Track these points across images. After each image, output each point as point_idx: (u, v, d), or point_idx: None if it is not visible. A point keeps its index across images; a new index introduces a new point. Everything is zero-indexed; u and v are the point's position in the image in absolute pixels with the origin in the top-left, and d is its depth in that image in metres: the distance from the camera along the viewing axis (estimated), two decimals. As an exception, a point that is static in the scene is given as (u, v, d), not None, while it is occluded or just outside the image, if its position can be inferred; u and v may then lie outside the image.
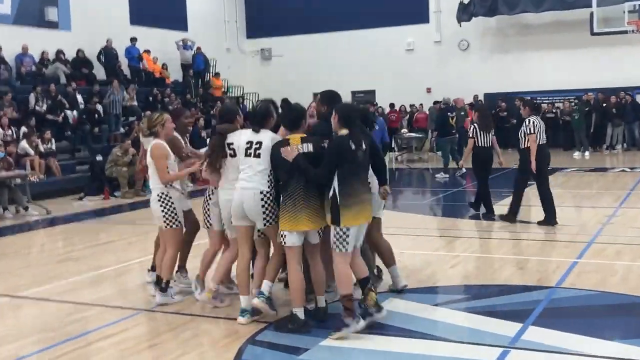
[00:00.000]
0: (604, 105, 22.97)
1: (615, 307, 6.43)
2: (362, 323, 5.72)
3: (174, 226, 6.64)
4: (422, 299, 6.71)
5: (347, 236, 5.65)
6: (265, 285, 5.98)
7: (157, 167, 6.57)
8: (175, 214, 6.65)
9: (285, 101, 6.46)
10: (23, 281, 8.25)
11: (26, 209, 13.78)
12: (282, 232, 5.74)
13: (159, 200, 6.63)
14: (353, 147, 5.66)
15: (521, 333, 5.65)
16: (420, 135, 23.82)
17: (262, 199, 5.86)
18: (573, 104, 23.32)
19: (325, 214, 5.75)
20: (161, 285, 6.71)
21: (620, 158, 21.12)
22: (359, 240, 5.91)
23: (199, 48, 25.49)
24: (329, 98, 6.30)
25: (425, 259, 8.48)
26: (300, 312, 5.79)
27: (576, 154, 21.83)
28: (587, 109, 22.90)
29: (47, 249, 10.90)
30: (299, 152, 5.67)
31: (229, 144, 6.14)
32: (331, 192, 5.64)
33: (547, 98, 24.54)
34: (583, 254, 8.38)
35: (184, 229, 6.91)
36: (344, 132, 5.71)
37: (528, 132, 9.82)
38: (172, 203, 6.63)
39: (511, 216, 10.53)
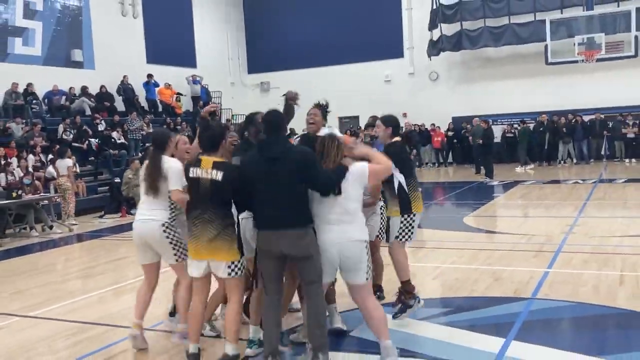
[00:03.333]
0: (555, 125, 22.41)
1: (593, 319, 5.66)
2: (422, 302, 5.54)
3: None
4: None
5: (413, 224, 5.44)
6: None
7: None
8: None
9: (203, 119, 5.22)
10: (37, 300, 7.40)
11: (51, 227, 12.98)
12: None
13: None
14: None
15: (505, 349, 4.88)
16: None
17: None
18: (517, 125, 22.80)
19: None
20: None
21: (573, 171, 20.40)
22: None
23: (199, 82, 24.80)
24: (271, 122, 4.63)
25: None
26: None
27: (518, 169, 21.22)
28: (541, 128, 22.44)
29: (64, 266, 9.98)
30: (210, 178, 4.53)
31: None
32: (396, 185, 5.32)
33: (507, 120, 23.98)
34: (553, 264, 7.63)
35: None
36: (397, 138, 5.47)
37: None
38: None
39: None
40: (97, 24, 21.47)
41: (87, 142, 17.98)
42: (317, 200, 4.50)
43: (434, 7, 24.53)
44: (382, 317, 4.58)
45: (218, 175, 4.49)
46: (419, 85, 25.90)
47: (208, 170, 4.51)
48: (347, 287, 4.70)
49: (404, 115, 25.36)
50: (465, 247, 9.09)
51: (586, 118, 22.37)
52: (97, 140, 18.28)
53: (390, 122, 5.51)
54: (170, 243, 5.03)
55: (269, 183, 4.41)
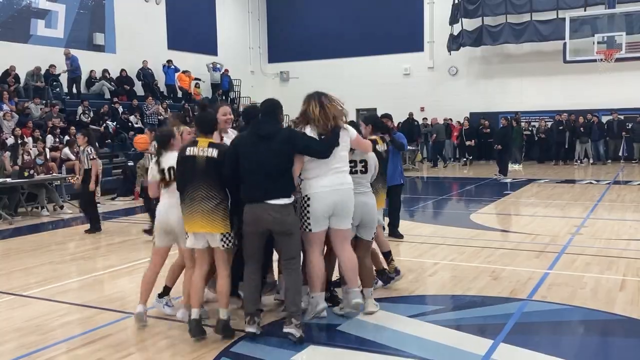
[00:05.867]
0: (573, 124, 21.97)
1: (586, 324, 5.45)
2: (399, 277, 6.41)
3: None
4: (397, 309, 5.70)
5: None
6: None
7: None
8: None
9: (201, 106, 5.89)
10: (35, 279, 7.38)
11: (61, 207, 12.99)
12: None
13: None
14: None
15: (492, 351, 4.68)
16: (414, 148, 22.78)
17: None
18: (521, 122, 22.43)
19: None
20: None
21: (589, 171, 19.97)
22: None
23: (226, 70, 24.72)
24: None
25: (407, 266, 7.53)
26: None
27: (513, 166, 20.81)
28: (560, 127, 22.02)
29: (67, 247, 9.89)
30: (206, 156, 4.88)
31: None
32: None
33: (525, 118, 23.54)
34: (554, 265, 7.39)
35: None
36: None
37: None
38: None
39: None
40: (119, 9, 21.45)
41: (104, 124, 17.99)
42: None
43: (456, 1, 24.12)
44: (354, 267, 5.11)
45: (214, 153, 4.85)
46: (438, 80, 25.55)
47: (204, 149, 4.86)
48: (331, 234, 5.08)
49: (422, 109, 25.12)
50: (468, 244, 8.84)
51: (604, 118, 21.88)
52: (114, 124, 18.28)
53: (369, 120, 6.30)
54: None
55: (257, 159, 4.76)
